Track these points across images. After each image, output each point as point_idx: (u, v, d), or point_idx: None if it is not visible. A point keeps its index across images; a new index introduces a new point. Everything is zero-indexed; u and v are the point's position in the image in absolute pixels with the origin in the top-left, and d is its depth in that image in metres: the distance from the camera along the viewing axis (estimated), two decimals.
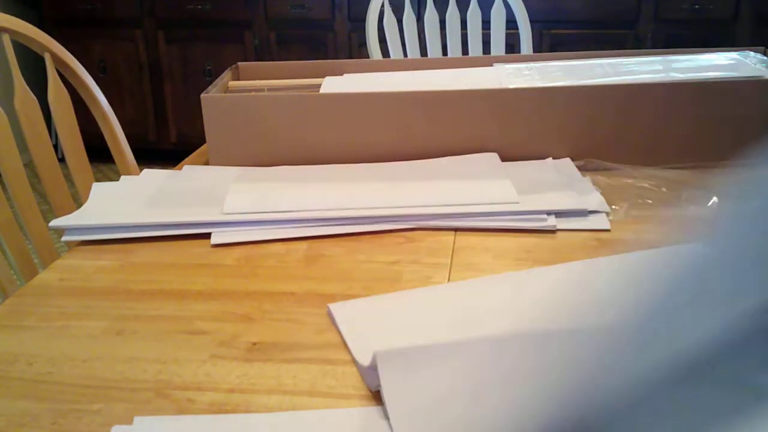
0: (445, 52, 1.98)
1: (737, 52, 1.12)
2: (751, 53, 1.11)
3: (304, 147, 1.00)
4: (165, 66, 3.26)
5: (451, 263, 0.75)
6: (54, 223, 0.85)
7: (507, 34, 1.94)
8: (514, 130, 0.99)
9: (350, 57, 3.05)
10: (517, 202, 0.84)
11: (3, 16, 1.07)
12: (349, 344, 0.60)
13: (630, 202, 0.87)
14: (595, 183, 0.91)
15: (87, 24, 3.23)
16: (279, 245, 0.81)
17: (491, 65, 1.18)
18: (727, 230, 0.33)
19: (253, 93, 1.09)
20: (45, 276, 0.76)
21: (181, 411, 0.53)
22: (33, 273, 0.98)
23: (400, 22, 1.92)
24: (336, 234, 0.82)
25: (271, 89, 1.12)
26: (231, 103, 1.00)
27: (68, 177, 1.12)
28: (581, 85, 1.02)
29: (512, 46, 2.13)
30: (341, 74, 1.17)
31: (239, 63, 1.21)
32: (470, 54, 1.95)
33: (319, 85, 1.11)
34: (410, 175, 0.95)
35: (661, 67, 1.09)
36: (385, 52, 1.89)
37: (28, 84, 1.08)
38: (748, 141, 0.97)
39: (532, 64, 1.13)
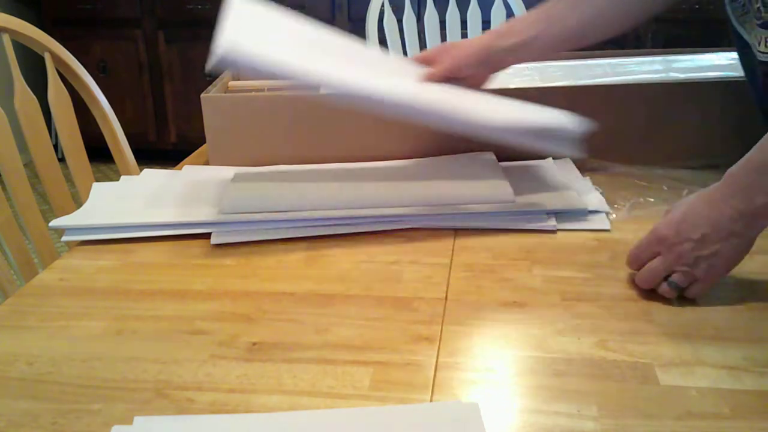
0: None
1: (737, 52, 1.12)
2: None
3: (304, 147, 1.00)
4: (165, 66, 3.25)
5: (451, 263, 0.75)
6: (54, 223, 0.84)
7: None
8: None
9: None
10: (514, 201, 0.84)
11: (3, 16, 1.07)
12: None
13: (631, 202, 0.87)
14: (595, 183, 0.91)
15: (87, 24, 3.23)
16: (279, 245, 0.81)
17: None
18: None
19: (253, 93, 1.09)
20: (45, 276, 0.76)
21: (181, 411, 0.53)
22: (33, 273, 0.98)
23: (400, 22, 1.92)
24: (336, 234, 0.82)
25: (271, 89, 1.12)
26: (231, 103, 1.00)
27: (68, 177, 1.12)
28: (581, 85, 1.02)
29: None
30: None
31: None
32: None
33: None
34: (407, 174, 0.95)
35: (661, 67, 1.09)
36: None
37: (28, 84, 1.07)
38: (748, 140, 0.97)
39: (532, 65, 1.13)
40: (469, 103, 0.86)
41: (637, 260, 0.69)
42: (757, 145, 0.66)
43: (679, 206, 0.68)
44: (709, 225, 0.64)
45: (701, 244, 0.64)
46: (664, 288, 0.66)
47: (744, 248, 0.65)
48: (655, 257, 0.67)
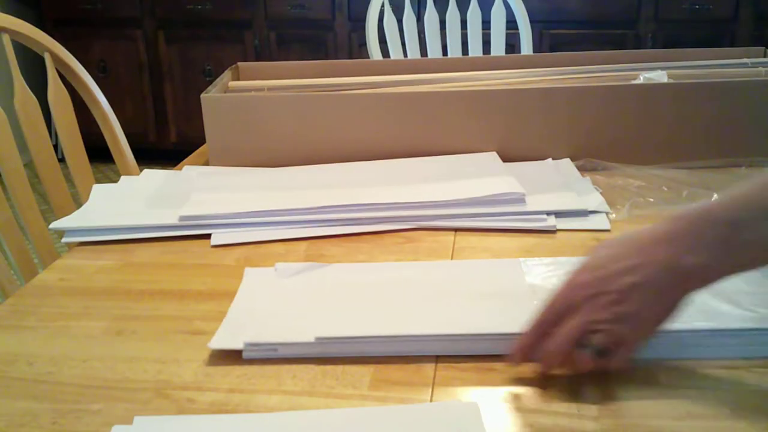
0: (445, 52, 1.98)
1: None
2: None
3: (304, 147, 1.00)
4: (165, 66, 3.25)
5: None
6: (54, 225, 0.84)
7: (507, 34, 1.94)
8: (515, 130, 0.99)
9: (350, 57, 3.05)
10: (524, 194, 0.84)
11: (3, 16, 1.07)
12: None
13: (630, 202, 0.87)
14: (595, 183, 0.91)
15: (87, 24, 3.23)
16: (279, 245, 0.81)
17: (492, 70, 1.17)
18: None
19: (253, 93, 1.09)
20: (45, 276, 0.75)
21: (181, 411, 0.53)
22: (33, 273, 0.98)
23: (400, 22, 1.91)
24: (336, 234, 0.82)
25: (271, 89, 1.12)
26: (231, 103, 1.00)
27: (68, 177, 1.12)
28: (582, 86, 1.02)
29: (512, 46, 2.13)
30: (341, 74, 1.16)
31: (239, 63, 1.21)
32: (470, 54, 1.95)
33: (318, 85, 1.11)
34: (411, 172, 0.95)
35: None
36: (385, 52, 1.89)
37: (28, 84, 1.07)
38: (748, 140, 0.97)
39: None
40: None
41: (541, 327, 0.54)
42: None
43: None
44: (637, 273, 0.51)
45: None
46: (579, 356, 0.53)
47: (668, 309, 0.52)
48: (563, 318, 0.53)
